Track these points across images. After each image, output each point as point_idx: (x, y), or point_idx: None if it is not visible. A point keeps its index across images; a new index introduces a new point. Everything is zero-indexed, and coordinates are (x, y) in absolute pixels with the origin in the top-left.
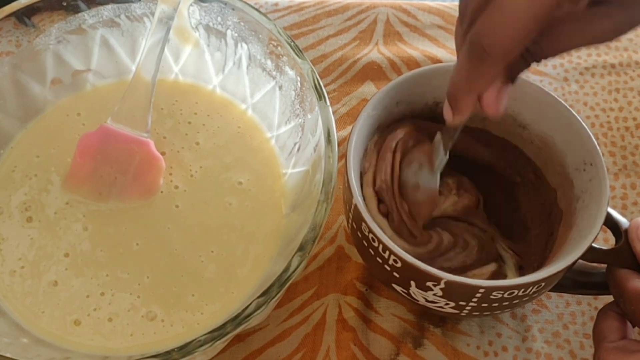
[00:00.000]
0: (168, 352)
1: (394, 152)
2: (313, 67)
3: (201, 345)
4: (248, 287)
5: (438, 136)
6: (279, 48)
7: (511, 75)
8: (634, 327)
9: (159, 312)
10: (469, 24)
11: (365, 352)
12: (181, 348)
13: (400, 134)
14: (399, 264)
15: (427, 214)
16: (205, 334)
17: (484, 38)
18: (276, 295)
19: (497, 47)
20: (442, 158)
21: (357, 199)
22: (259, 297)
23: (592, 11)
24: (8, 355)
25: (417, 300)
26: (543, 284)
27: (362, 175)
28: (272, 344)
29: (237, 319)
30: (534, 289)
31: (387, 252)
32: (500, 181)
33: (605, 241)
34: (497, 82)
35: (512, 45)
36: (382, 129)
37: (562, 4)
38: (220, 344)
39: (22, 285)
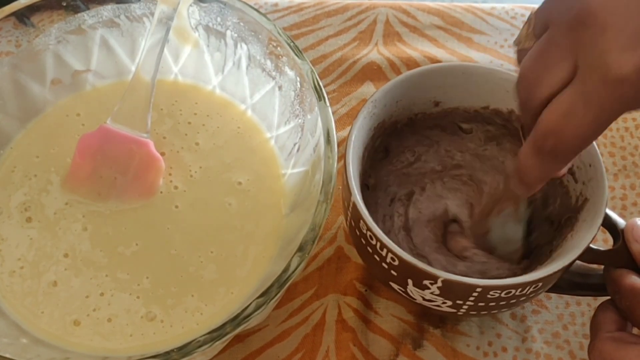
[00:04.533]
0: (167, 353)
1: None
2: (313, 68)
3: (200, 346)
4: (247, 287)
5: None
6: (278, 48)
7: None
8: (633, 326)
9: (158, 312)
10: (536, 113)
11: (365, 352)
12: (181, 348)
13: None
14: (396, 262)
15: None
16: (204, 335)
17: (553, 141)
18: (276, 295)
19: (568, 150)
20: (525, 209)
21: (356, 197)
22: (258, 297)
23: None
24: (7, 355)
25: (415, 299)
26: (540, 284)
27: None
28: (271, 345)
29: (236, 320)
30: (531, 289)
31: (385, 250)
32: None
33: (605, 242)
34: None
35: (584, 146)
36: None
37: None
38: (219, 345)
39: (21, 286)
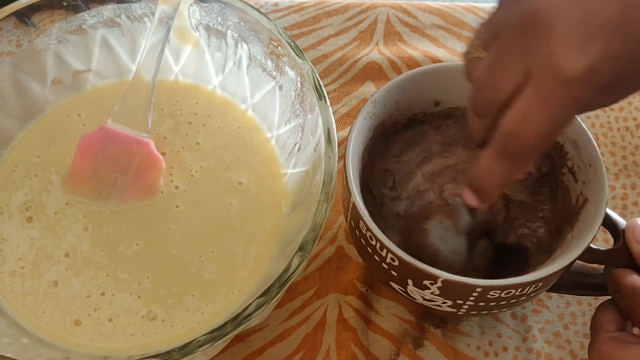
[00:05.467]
0: (168, 352)
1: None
2: (313, 67)
3: (201, 346)
4: (248, 287)
5: (458, 201)
6: (279, 48)
7: None
8: (633, 326)
9: (159, 312)
10: (492, 120)
11: (366, 352)
12: (181, 348)
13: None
14: (396, 262)
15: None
16: (205, 334)
17: (515, 142)
18: (276, 295)
19: (530, 150)
20: (467, 220)
21: (356, 197)
22: (259, 297)
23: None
24: (8, 355)
25: (415, 299)
26: (540, 283)
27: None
28: (272, 344)
29: (237, 319)
30: (531, 289)
31: (385, 250)
32: None
33: (606, 242)
34: None
35: (545, 145)
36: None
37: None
38: (220, 344)
39: (22, 286)
